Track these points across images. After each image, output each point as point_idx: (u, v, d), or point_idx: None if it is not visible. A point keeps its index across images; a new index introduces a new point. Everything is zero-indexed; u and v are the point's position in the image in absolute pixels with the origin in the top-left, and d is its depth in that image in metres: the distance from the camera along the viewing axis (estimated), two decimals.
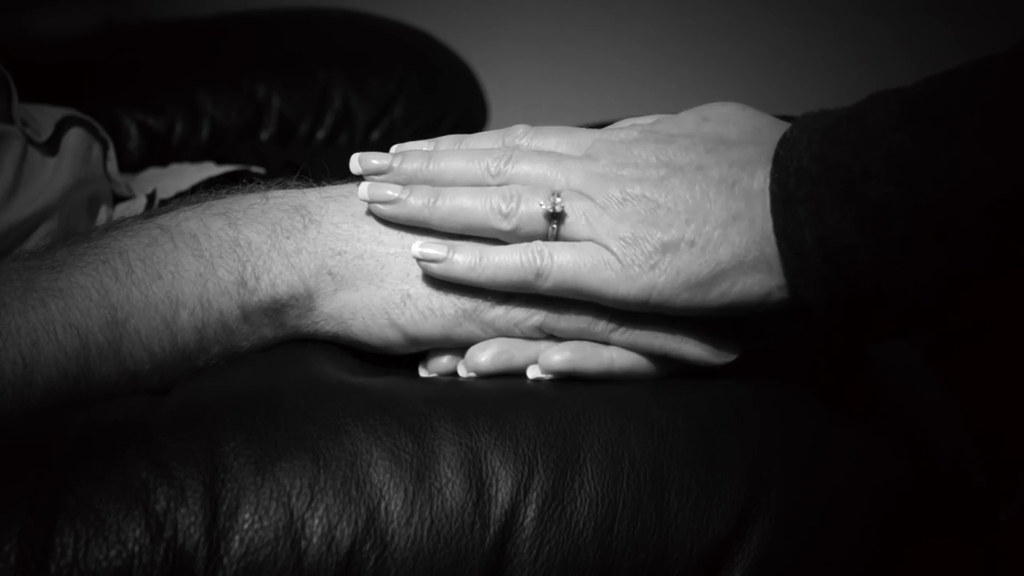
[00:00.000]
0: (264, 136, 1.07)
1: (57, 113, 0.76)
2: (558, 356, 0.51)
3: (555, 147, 0.53)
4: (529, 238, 0.51)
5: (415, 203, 0.52)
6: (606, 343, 0.52)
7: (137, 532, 0.44)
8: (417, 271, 0.53)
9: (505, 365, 0.52)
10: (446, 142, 0.55)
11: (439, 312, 0.52)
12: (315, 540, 0.44)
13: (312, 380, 0.50)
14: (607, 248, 0.50)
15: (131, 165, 0.99)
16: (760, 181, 0.48)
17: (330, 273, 0.53)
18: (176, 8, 1.36)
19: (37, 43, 1.20)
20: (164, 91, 1.06)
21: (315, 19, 1.20)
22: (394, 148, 0.55)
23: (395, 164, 0.53)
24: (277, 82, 1.08)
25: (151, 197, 0.79)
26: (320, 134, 1.09)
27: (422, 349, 0.54)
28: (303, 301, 0.53)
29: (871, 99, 0.48)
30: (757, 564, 0.47)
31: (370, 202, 0.52)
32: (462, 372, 0.52)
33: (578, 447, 0.47)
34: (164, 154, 1.03)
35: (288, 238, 0.53)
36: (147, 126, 1.05)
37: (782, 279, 0.48)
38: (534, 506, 0.46)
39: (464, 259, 0.51)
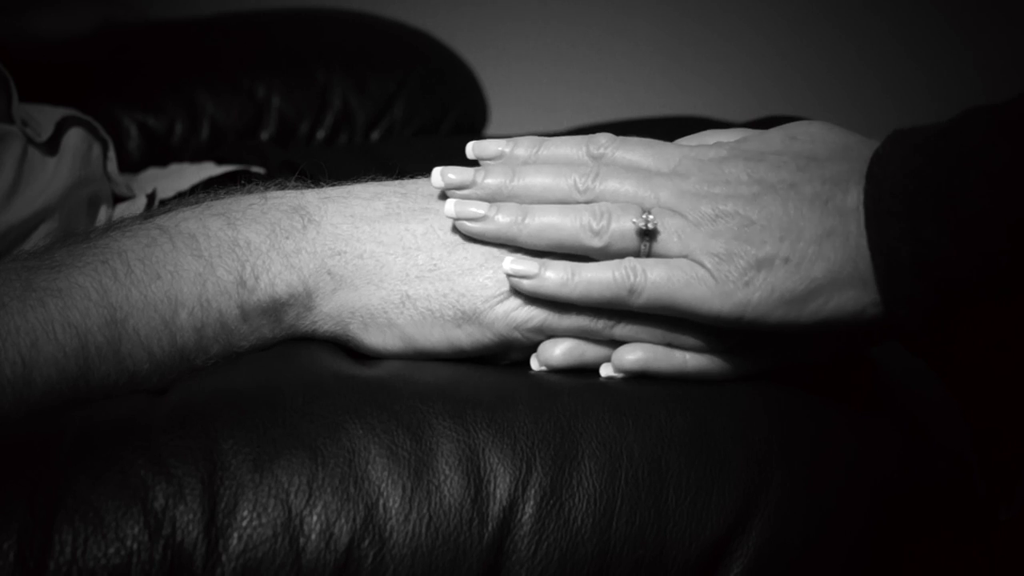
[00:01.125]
0: (264, 136, 1.07)
1: (57, 113, 0.76)
2: (631, 356, 0.51)
3: (640, 160, 0.53)
4: (619, 255, 0.51)
5: (503, 220, 0.52)
6: (610, 340, 0.52)
7: (136, 530, 0.44)
8: (416, 272, 0.53)
9: (578, 360, 0.52)
10: (524, 143, 0.55)
11: (438, 314, 0.52)
12: (313, 537, 0.44)
13: (310, 378, 0.50)
14: (700, 264, 0.50)
15: (131, 165, 0.99)
16: (854, 198, 0.48)
17: (329, 273, 0.53)
18: (176, 8, 1.36)
19: (37, 43, 1.20)
20: (164, 91, 1.06)
21: (315, 19, 1.20)
22: (470, 147, 0.55)
23: (478, 179, 0.53)
24: (277, 82, 1.09)
25: (151, 197, 0.79)
26: (320, 134, 1.09)
27: (421, 354, 0.54)
28: (302, 301, 0.53)
29: (964, 116, 0.48)
30: (756, 560, 0.47)
31: (456, 219, 0.52)
32: (534, 365, 0.52)
33: (576, 444, 0.47)
34: (164, 154, 1.04)
35: (287, 238, 0.53)
36: (147, 126, 1.05)
37: (876, 295, 0.48)
38: (532, 503, 0.46)
39: (556, 276, 0.51)
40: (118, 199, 0.81)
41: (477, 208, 0.52)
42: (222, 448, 0.46)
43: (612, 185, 0.52)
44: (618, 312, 0.51)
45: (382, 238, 0.53)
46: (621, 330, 0.52)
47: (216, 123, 1.06)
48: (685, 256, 0.50)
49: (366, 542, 0.45)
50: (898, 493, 0.51)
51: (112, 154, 0.80)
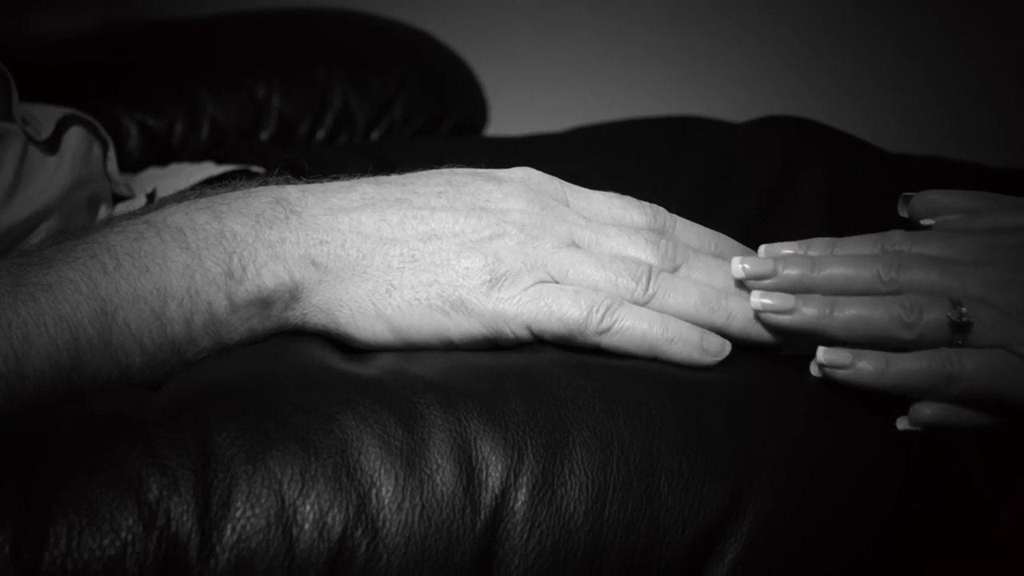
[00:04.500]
0: (264, 136, 1.08)
1: (57, 112, 0.76)
2: (928, 410, 0.51)
3: (938, 252, 0.53)
4: (930, 346, 0.51)
5: (810, 312, 0.52)
6: (596, 347, 0.52)
7: (130, 521, 0.44)
8: (398, 263, 0.53)
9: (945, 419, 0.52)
10: (818, 244, 0.55)
11: (426, 303, 0.53)
12: (307, 527, 0.45)
13: (302, 370, 0.50)
14: (1016, 354, 0.50)
15: (131, 165, 0.99)
16: None
17: (313, 263, 0.53)
18: (176, 8, 1.36)
19: (37, 43, 1.20)
20: (164, 91, 1.07)
21: (315, 19, 1.20)
22: (762, 250, 0.55)
23: (778, 269, 0.53)
24: (277, 82, 1.09)
25: (151, 197, 0.79)
26: (320, 134, 1.10)
27: (411, 345, 0.54)
28: (289, 291, 0.53)
29: None
30: (750, 546, 0.47)
31: (761, 312, 0.52)
32: (900, 425, 0.52)
33: (567, 432, 0.48)
34: (164, 154, 1.04)
35: (271, 228, 0.53)
36: (147, 126, 1.05)
37: None
38: (524, 491, 0.46)
39: (871, 366, 0.51)
40: (118, 199, 0.82)
41: (784, 301, 0.52)
42: (215, 440, 0.46)
43: (917, 275, 0.52)
44: (608, 319, 0.52)
45: (361, 228, 0.54)
46: (608, 339, 0.52)
47: (216, 123, 1.07)
48: (1002, 346, 0.50)
49: (359, 531, 0.45)
50: (894, 483, 0.51)
51: (112, 154, 0.81)
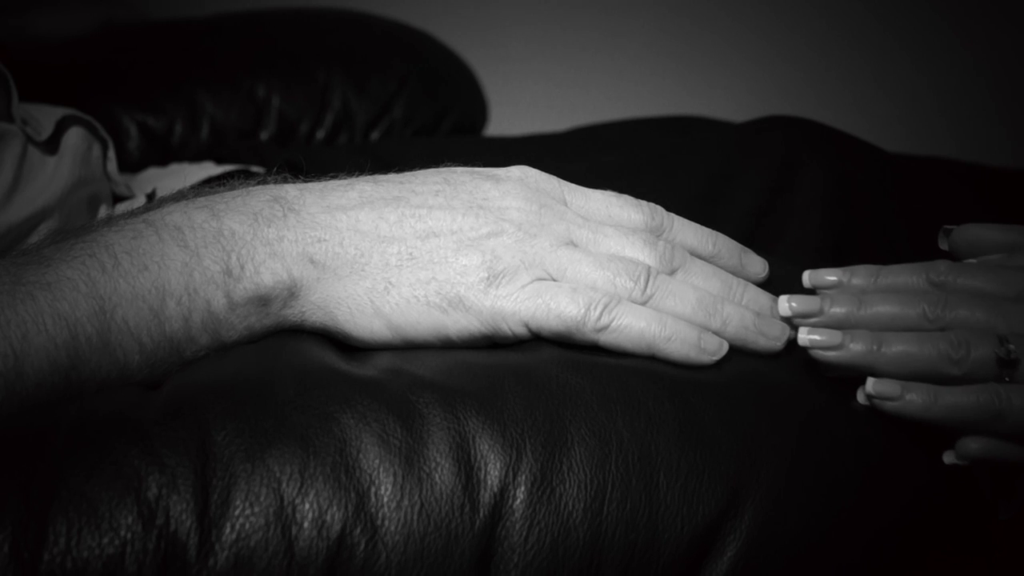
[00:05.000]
0: (264, 136, 1.08)
1: (57, 112, 0.77)
2: (975, 445, 0.51)
3: (984, 286, 0.54)
4: (976, 381, 0.51)
5: (857, 349, 0.52)
6: (593, 344, 0.52)
7: (129, 519, 0.44)
8: (396, 261, 0.53)
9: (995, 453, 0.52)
10: (861, 272, 0.55)
11: (424, 300, 0.53)
12: (306, 525, 0.45)
13: (301, 369, 0.50)
14: None
15: (131, 165, 0.99)
16: None
17: (312, 261, 0.53)
18: (176, 8, 1.36)
19: (37, 43, 1.20)
20: (164, 91, 1.07)
21: (315, 19, 1.21)
22: (806, 276, 0.55)
23: (824, 307, 0.53)
24: (277, 82, 1.09)
25: (151, 197, 0.79)
26: (320, 134, 1.10)
27: (409, 343, 0.54)
28: (288, 288, 0.53)
29: None
30: (749, 544, 0.47)
31: (809, 348, 0.52)
32: (947, 459, 0.52)
33: (565, 430, 0.48)
34: (164, 154, 1.04)
35: (269, 226, 0.53)
36: (147, 126, 1.05)
37: None
38: (523, 488, 0.46)
39: (919, 399, 0.51)
40: (118, 199, 0.82)
41: (832, 337, 0.52)
42: (215, 439, 0.46)
43: (962, 313, 0.52)
44: (606, 317, 0.52)
45: (359, 226, 0.54)
46: (607, 337, 0.52)
47: (216, 123, 1.07)
48: None
49: (358, 529, 0.45)
50: (894, 482, 0.51)
51: (112, 154, 0.81)
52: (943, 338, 0.51)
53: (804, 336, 0.52)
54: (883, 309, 0.53)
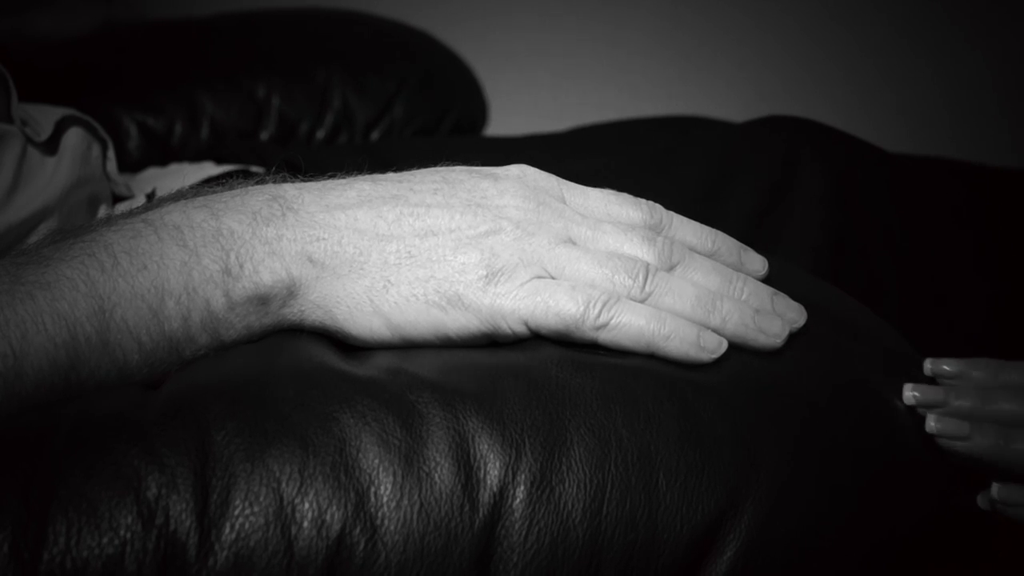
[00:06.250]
0: (264, 136, 1.08)
1: (56, 113, 0.77)
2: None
3: (1019, 380, 0.55)
4: None
5: (984, 443, 0.53)
6: (593, 343, 0.52)
7: (129, 519, 0.44)
8: (395, 259, 0.53)
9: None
10: (982, 366, 0.56)
11: (423, 298, 0.53)
12: (305, 525, 0.45)
13: (301, 369, 0.50)
14: None
15: (131, 165, 0.99)
16: None
17: (311, 260, 0.53)
18: (176, 8, 1.36)
19: (37, 43, 1.20)
20: (163, 91, 1.07)
21: (315, 19, 1.21)
22: (928, 364, 0.56)
23: (950, 400, 0.54)
24: (277, 82, 1.09)
25: (151, 197, 0.79)
26: (320, 134, 1.10)
27: (409, 342, 0.54)
28: (287, 288, 0.53)
29: None
30: (748, 543, 0.47)
31: (935, 435, 0.53)
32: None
33: (565, 430, 0.47)
34: (164, 154, 1.04)
35: (268, 225, 0.53)
36: (147, 126, 1.05)
37: None
38: (523, 488, 0.46)
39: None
40: (117, 199, 0.82)
41: (959, 428, 0.53)
42: (214, 439, 0.46)
43: None
44: (606, 315, 0.52)
45: (358, 225, 0.54)
46: (606, 335, 0.52)
47: (216, 123, 1.07)
48: None
49: (358, 529, 0.45)
50: (894, 482, 0.51)
51: (111, 154, 0.81)
52: None
53: (931, 423, 0.53)
54: (1007, 407, 0.54)
